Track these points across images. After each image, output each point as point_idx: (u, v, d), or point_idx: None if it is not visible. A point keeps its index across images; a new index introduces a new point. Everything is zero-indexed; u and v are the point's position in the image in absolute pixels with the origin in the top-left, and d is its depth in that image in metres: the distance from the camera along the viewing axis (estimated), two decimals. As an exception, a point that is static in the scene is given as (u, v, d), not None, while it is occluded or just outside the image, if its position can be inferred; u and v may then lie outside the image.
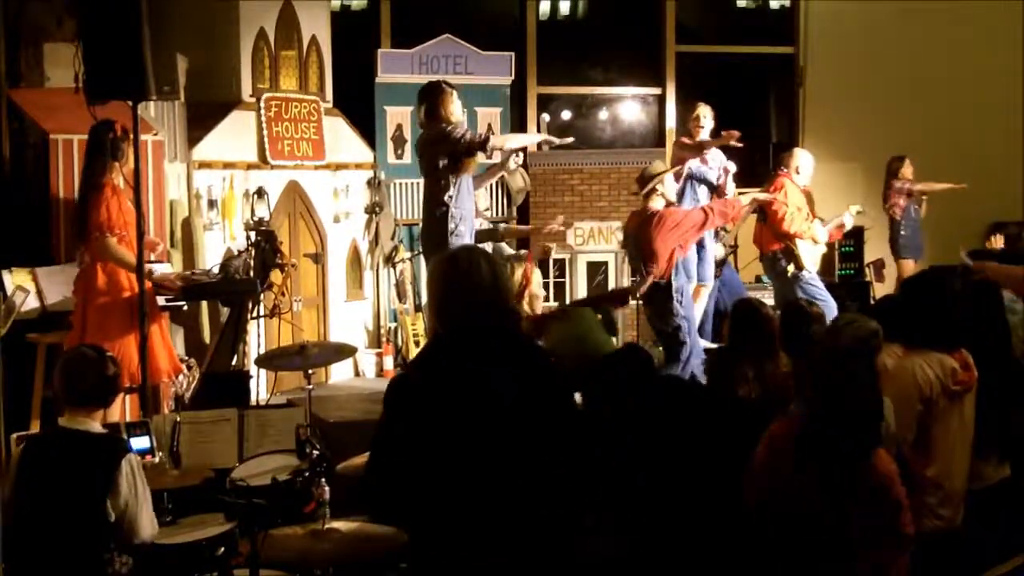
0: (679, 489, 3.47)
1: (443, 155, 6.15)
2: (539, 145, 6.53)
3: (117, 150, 5.44)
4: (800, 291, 7.40)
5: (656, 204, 6.60)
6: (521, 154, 7.21)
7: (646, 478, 3.48)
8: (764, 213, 7.81)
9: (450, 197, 6.15)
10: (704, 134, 7.73)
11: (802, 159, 7.85)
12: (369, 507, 3.12)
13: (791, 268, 7.58)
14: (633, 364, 3.97)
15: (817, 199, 8.61)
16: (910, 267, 9.45)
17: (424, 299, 7.38)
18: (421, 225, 6.65)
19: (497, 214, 8.86)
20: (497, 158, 6.68)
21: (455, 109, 6.24)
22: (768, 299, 7.85)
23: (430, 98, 6.22)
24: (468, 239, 6.20)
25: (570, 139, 6.76)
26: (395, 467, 2.88)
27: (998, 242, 7.92)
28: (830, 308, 7.32)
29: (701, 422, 3.73)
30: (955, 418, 3.99)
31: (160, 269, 6.10)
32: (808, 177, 7.86)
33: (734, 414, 4.06)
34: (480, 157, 6.22)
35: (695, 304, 7.14)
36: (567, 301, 8.80)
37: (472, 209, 6.33)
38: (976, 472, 4.12)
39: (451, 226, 6.14)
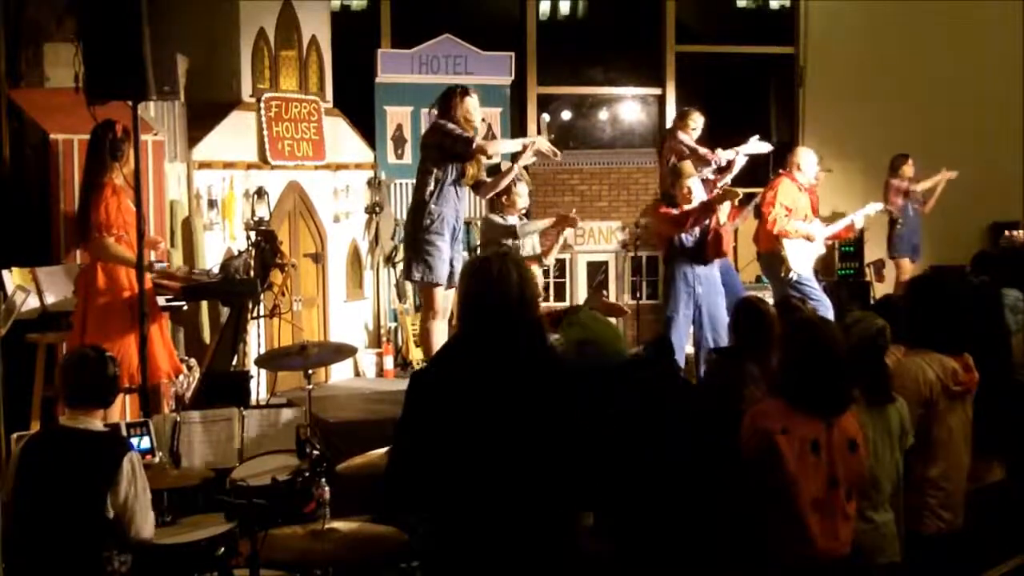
0: (679, 488, 3.47)
1: (432, 147, 6.18)
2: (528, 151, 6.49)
3: (117, 150, 5.44)
4: (794, 291, 7.41)
5: None
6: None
7: (649, 476, 3.48)
8: (760, 212, 7.83)
9: (431, 194, 6.17)
10: (694, 138, 7.83)
11: (803, 157, 7.85)
12: (385, 497, 3.17)
13: (782, 270, 7.61)
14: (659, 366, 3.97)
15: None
16: (907, 265, 9.46)
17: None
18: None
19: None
20: (497, 160, 6.66)
21: (471, 108, 6.24)
22: (768, 298, 7.85)
23: (443, 100, 6.27)
24: (446, 240, 6.21)
25: (558, 157, 6.65)
26: (413, 458, 2.92)
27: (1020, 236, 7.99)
28: (825, 308, 7.34)
29: (696, 420, 3.74)
30: (956, 419, 3.99)
31: (162, 269, 6.10)
32: (811, 175, 7.86)
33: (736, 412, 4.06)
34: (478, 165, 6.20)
35: None
36: (568, 301, 8.81)
37: (453, 214, 6.28)
38: (976, 473, 4.13)
39: (426, 222, 6.15)
